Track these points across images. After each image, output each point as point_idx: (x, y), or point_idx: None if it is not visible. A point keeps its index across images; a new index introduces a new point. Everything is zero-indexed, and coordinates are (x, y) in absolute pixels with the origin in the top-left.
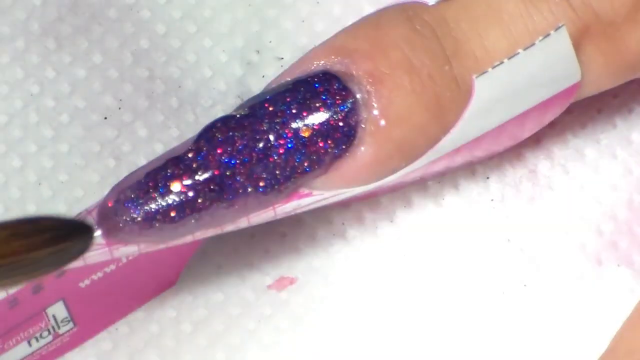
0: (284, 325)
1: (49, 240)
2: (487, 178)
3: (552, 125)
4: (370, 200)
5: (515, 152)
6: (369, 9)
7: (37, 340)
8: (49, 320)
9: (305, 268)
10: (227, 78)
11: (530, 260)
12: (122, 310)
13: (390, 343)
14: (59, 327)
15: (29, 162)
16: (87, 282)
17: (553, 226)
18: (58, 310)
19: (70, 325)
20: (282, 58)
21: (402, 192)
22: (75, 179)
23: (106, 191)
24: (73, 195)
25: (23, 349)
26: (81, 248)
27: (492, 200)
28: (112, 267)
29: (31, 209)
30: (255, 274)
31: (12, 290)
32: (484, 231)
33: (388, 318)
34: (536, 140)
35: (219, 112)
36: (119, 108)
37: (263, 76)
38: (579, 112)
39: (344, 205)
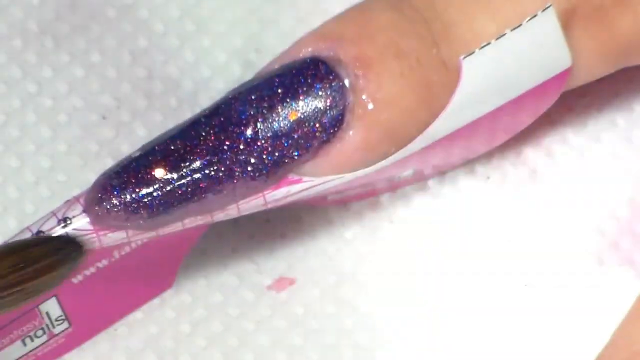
0: (283, 326)
1: (44, 267)
2: (488, 178)
3: (552, 124)
4: (369, 200)
5: (516, 151)
6: None
7: (31, 339)
8: (42, 318)
9: (305, 268)
10: (226, 78)
11: (531, 260)
12: (119, 311)
13: (390, 343)
14: (53, 326)
15: (27, 162)
16: (79, 277)
17: (554, 226)
18: (51, 307)
19: (65, 325)
20: None
21: (402, 192)
22: (74, 179)
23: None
24: (71, 196)
25: (17, 348)
26: (75, 264)
27: (492, 200)
28: (105, 262)
29: (29, 209)
30: (254, 275)
31: None
32: (484, 231)
33: (388, 318)
34: (537, 139)
35: None
36: (118, 108)
37: None
38: (580, 110)
39: (343, 204)
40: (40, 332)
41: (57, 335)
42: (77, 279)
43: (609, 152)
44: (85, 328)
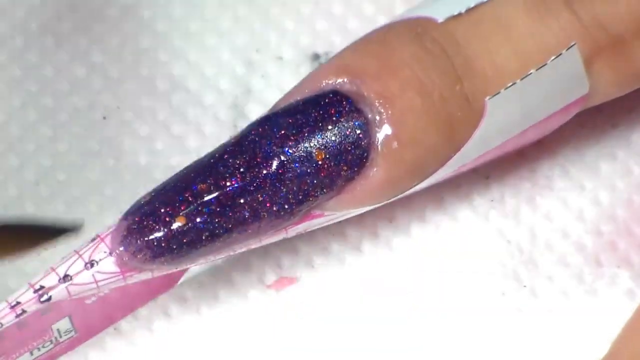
0: (284, 326)
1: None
2: (487, 178)
3: None
4: None
5: (516, 151)
6: (369, 9)
7: (39, 349)
8: (53, 334)
9: (305, 268)
10: (228, 77)
11: (529, 261)
12: (122, 312)
13: (390, 344)
14: (60, 337)
15: (28, 161)
16: (93, 299)
17: (552, 227)
18: (63, 324)
19: (72, 333)
20: (283, 57)
21: None
22: (74, 179)
23: (105, 191)
24: (72, 195)
25: (25, 358)
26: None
27: (492, 200)
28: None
29: (29, 209)
30: (255, 274)
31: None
32: (483, 231)
33: (388, 318)
34: (537, 140)
35: (220, 111)
36: (118, 107)
37: (262, 75)
38: (580, 113)
39: None
40: (48, 344)
41: (62, 342)
42: (91, 300)
43: (607, 154)
44: (89, 331)
